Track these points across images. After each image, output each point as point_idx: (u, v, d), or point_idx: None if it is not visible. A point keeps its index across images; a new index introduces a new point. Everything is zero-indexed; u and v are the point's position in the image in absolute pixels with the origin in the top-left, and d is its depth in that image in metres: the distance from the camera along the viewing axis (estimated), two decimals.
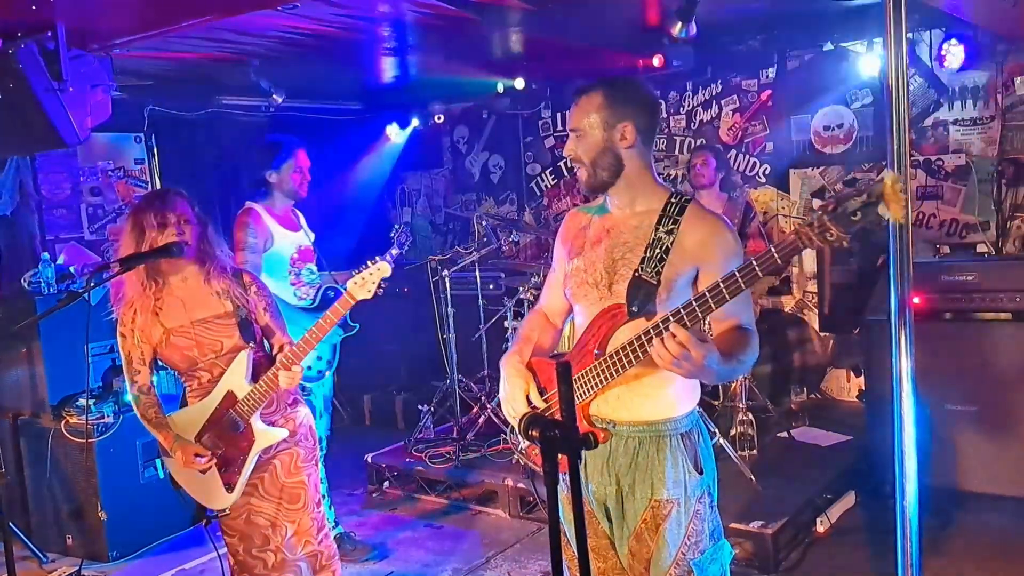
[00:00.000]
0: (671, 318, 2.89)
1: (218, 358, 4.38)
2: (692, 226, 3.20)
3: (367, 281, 4.39)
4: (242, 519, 4.42)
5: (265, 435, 4.37)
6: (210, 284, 4.38)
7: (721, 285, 2.79)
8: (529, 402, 3.39)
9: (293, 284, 5.98)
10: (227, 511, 4.41)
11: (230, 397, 4.33)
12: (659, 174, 3.37)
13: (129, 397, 4.49)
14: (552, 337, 3.72)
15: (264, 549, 4.41)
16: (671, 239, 3.17)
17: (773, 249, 2.69)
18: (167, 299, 4.34)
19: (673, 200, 3.26)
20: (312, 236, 6.17)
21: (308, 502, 4.51)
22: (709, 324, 3.36)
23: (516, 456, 4.11)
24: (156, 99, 9.02)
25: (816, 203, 8.87)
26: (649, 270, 3.15)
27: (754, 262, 2.73)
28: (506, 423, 4.84)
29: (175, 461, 4.41)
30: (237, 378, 4.33)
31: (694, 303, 2.84)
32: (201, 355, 4.36)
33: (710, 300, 2.81)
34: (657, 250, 3.16)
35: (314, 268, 6.12)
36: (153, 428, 4.41)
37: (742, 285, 2.77)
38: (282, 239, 5.91)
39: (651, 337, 2.93)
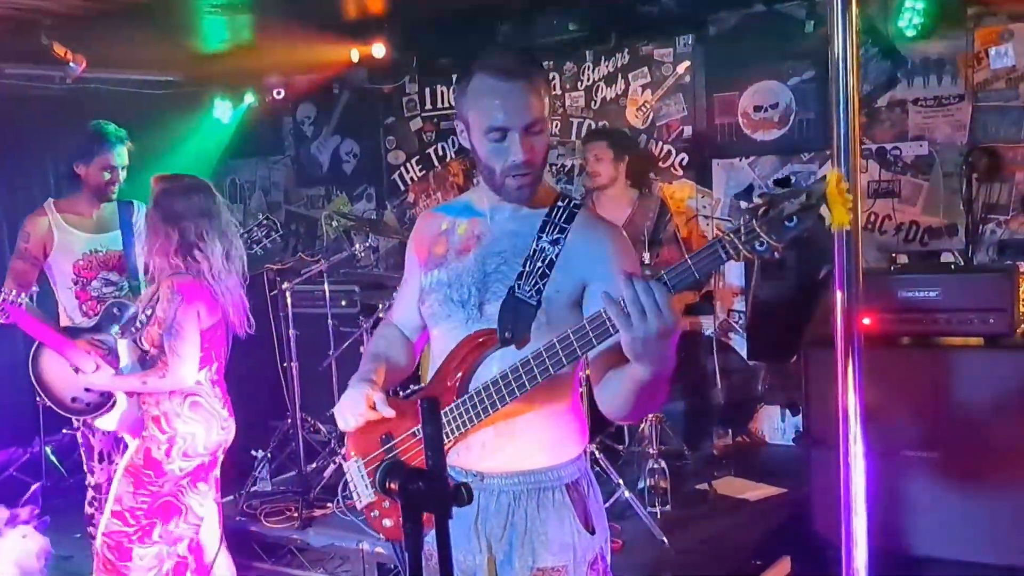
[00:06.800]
0: (557, 344, 2.85)
1: None
2: (582, 237, 3.18)
3: None
4: None
5: None
6: None
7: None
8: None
9: (78, 297, 6.03)
10: None
11: None
12: (551, 164, 3.32)
13: None
14: (408, 356, 3.66)
15: None
16: (556, 251, 3.15)
17: (689, 261, 2.64)
18: None
19: (561, 204, 3.24)
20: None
21: None
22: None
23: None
24: None
25: (744, 204, 8.90)
26: (528, 288, 3.11)
27: (665, 277, 2.66)
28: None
29: None
30: None
31: (587, 325, 2.79)
32: None
33: (608, 324, 2.74)
34: (539, 263, 3.14)
35: (115, 278, 6.12)
36: None
37: None
38: (69, 243, 6.02)
39: (531, 370, 2.91)
